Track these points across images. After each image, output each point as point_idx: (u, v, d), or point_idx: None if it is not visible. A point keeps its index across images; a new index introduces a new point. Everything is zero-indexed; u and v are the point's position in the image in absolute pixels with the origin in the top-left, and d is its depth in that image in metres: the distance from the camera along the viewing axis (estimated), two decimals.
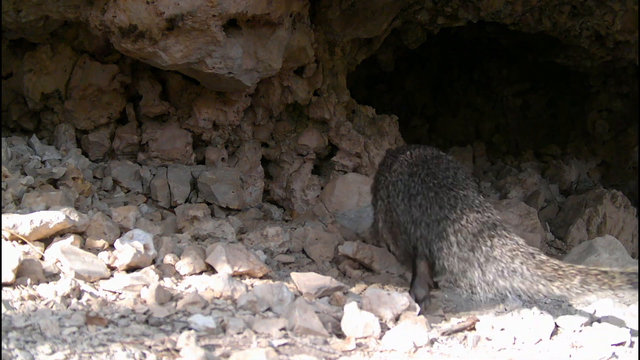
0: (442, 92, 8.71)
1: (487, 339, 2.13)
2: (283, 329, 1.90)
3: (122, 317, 1.88)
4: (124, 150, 4.28)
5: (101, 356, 1.58)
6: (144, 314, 1.92)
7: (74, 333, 1.70)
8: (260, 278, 2.57)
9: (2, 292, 1.93)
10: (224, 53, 3.57)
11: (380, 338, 1.97)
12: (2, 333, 1.61)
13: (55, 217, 2.37)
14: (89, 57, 4.12)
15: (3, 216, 2.30)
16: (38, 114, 4.24)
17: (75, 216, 2.48)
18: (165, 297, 2.07)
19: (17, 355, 1.50)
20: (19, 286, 2.00)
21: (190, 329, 1.84)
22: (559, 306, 2.69)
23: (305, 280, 2.37)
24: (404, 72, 8.32)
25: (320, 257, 3.32)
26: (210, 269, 2.53)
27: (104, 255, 2.37)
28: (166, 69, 3.71)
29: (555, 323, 2.21)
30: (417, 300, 2.45)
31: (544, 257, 2.29)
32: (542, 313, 2.27)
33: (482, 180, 6.68)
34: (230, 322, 1.90)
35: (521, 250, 2.33)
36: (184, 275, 2.46)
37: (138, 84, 4.25)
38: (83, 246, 2.45)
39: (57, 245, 2.32)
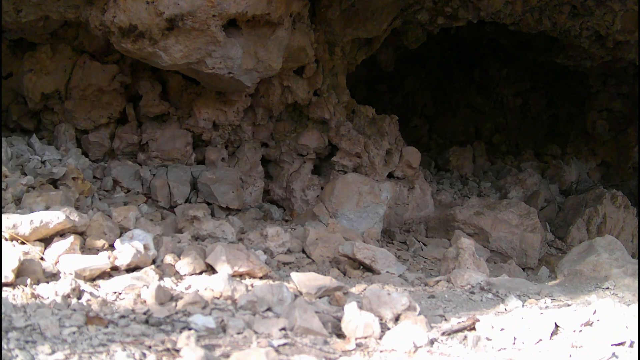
0: (442, 92, 8.71)
1: (487, 339, 2.13)
2: (283, 329, 1.90)
3: (122, 317, 1.88)
4: (124, 150, 4.28)
5: (101, 356, 1.58)
6: (144, 314, 1.92)
7: (74, 333, 1.70)
8: (260, 278, 2.57)
9: (2, 292, 1.93)
10: (224, 53, 3.57)
11: (380, 338, 1.97)
12: (2, 333, 1.61)
13: (55, 217, 2.37)
14: (89, 57, 4.12)
15: (3, 216, 2.30)
16: (38, 114, 4.24)
17: (75, 216, 2.48)
18: (165, 297, 2.07)
19: (17, 355, 1.50)
20: (19, 286, 2.00)
21: (190, 329, 1.84)
22: (559, 306, 2.70)
23: (305, 280, 2.36)
24: (404, 72, 8.33)
25: (320, 257, 3.32)
26: (210, 269, 2.53)
27: (104, 255, 2.37)
28: (166, 69, 3.71)
29: (555, 323, 2.21)
30: None
31: None
32: (542, 313, 2.27)
33: (482, 180, 6.68)
34: (230, 322, 1.90)
35: None
36: (184, 275, 2.46)
37: (138, 84, 4.25)
38: (83, 246, 2.45)
39: (57, 245, 2.31)
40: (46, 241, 2.37)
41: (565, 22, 5.31)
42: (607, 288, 3.24)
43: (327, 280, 2.38)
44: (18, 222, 2.29)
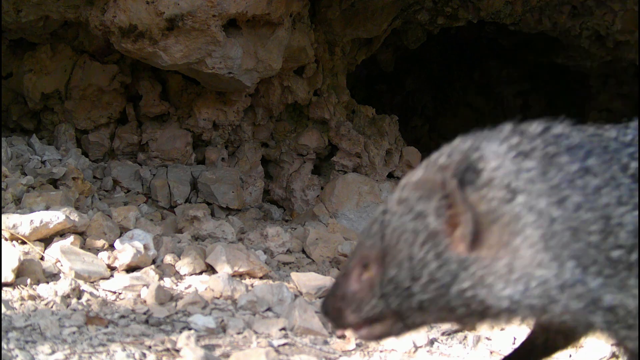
0: (442, 92, 8.70)
1: (487, 338, 2.13)
2: (283, 329, 1.90)
3: (122, 317, 1.88)
4: (124, 150, 4.28)
5: (101, 356, 1.58)
6: (144, 314, 1.92)
7: (74, 333, 1.70)
8: (260, 278, 2.57)
9: (2, 292, 1.92)
10: (224, 53, 3.57)
11: None
12: (2, 333, 1.61)
13: (55, 217, 2.37)
14: (89, 57, 4.12)
15: (3, 216, 2.30)
16: (38, 114, 4.24)
17: (75, 216, 2.48)
18: (165, 297, 2.07)
19: (17, 355, 1.50)
20: (19, 286, 2.00)
21: (190, 329, 1.84)
22: None
23: (305, 280, 2.37)
24: (404, 72, 8.32)
25: (320, 257, 3.31)
26: (210, 269, 2.53)
27: (104, 255, 2.37)
28: (166, 69, 3.71)
29: None
30: None
31: None
32: None
33: None
34: (230, 322, 1.90)
35: None
36: (184, 275, 2.46)
37: (138, 84, 4.25)
38: (83, 246, 2.45)
39: (57, 245, 2.31)
40: (46, 241, 2.37)
41: (565, 22, 5.30)
42: None
43: (327, 280, 2.38)
44: (18, 222, 2.29)
